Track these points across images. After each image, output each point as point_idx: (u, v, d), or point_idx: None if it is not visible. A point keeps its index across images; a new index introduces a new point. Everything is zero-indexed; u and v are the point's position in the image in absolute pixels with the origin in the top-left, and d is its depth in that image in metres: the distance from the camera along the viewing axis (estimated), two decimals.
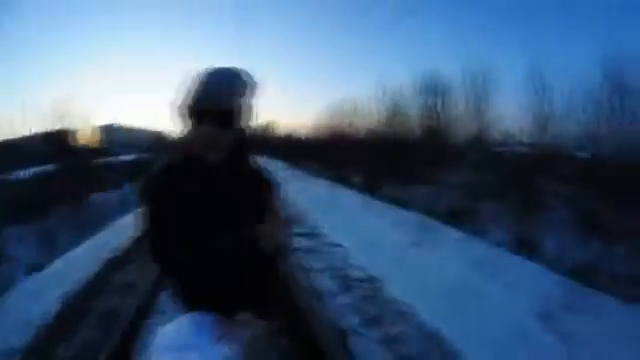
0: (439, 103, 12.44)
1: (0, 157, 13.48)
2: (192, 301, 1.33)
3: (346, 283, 4.18)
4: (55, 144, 15.53)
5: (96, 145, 21.73)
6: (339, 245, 5.52)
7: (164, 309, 3.44)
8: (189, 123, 1.28)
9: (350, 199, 9.84)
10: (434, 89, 12.61)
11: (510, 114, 10.68)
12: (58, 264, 5.50)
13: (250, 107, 1.31)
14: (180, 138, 1.37)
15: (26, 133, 15.61)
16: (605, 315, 3.30)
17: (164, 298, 3.63)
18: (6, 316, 3.79)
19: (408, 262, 4.83)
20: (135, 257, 5.22)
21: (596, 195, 6.39)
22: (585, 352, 2.67)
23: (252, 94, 1.31)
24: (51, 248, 6.91)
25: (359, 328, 3.14)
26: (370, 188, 11.83)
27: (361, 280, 4.24)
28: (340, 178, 14.62)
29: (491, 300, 3.59)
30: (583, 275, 4.52)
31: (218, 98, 1.24)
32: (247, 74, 1.31)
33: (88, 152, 17.97)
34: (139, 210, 1.32)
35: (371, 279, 4.25)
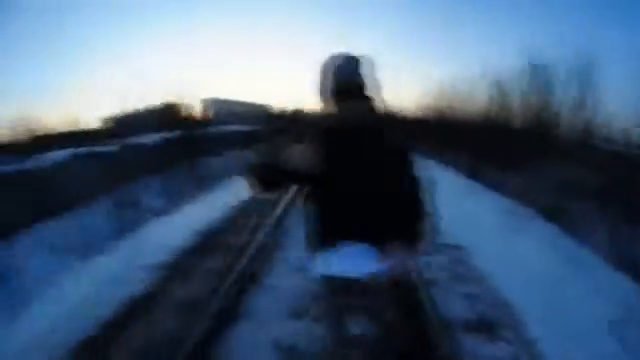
0: (544, 90, 11.57)
1: (125, 125, 15.79)
2: (340, 233, 1.66)
3: (440, 249, 4.77)
4: (169, 115, 17.58)
5: (202, 116, 23.56)
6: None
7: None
8: (332, 100, 1.67)
9: (451, 180, 10.34)
10: (538, 74, 11.72)
11: (625, 109, 9.62)
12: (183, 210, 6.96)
13: (377, 82, 1.68)
14: (325, 112, 1.71)
15: (143, 106, 17.67)
16: None
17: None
18: (147, 242, 5.36)
19: (498, 242, 5.26)
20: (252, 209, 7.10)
21: None
22: None
23: (375, 72, 1.69)
24: (175, 200, 8.28)
25: (445, 282, 3.94)
26: (471, 172, 11.79)
27: (453, 247, 4.88)
28: (443, 159, 14.66)
29: (569, 295, 3.77)
30: None
31: (355, 77, 1.65)
32: (368, 57, 1.70)
33: (196, 123, 19.82)
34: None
35: (461, 248, 4.88)
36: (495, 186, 9.40)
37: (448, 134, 15.80)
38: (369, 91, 1.67)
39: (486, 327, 3.13)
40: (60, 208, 7.00)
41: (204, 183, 10.43)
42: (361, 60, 1.67)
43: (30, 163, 7.34)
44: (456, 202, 7.20)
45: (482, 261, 4.51)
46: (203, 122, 21.65)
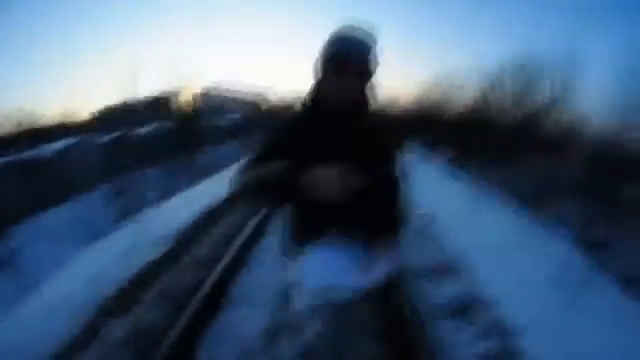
0: (530, 86, 11.99)
1: (119, 117, 16.28)
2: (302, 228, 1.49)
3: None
4: (161, 107, 17.92)
5: (194, 108, 23.69)
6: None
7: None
8: (327, 74, 1.35)
9: (437, 171, 11.06)
10: (526, 71, 12.14)
11: (605, 106, 10.05)
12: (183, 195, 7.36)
13: (376, 66, 1.36)
14: (314, 88, 1.42)
15: (138, 96, 17.88)
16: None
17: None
18: (149, 224, 5.67)
19: (458, 215, 6.12)
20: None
21: None
22: None
23: (376, 55, 1.36)
24: (173, 186, 8.66)
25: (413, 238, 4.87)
26: (458, 164, 12.35)
27: (422, 216, 5.89)
28: (431, 152, 15.39)
29: (515, 262, 4.26)
30: None
31: (359, 53, 1.31)
32: (373, 36, 1.37)
33: (192, 113, 20.03)
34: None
35: (427, 216, 5.88)
36: (476, 177, 9.93)
37: (437, 127, 16.27)
38: (372, 73, 1.37)
39: None
40: (60, 196, 7.27)
41: (201, 171, 10.80)
42: (372, 35, 1.36)
43: (30, 153, 7.55)
44: (436, 189, 7.87)
45: (442, 223, 5.65)
46: (198, 113, 21.89)
